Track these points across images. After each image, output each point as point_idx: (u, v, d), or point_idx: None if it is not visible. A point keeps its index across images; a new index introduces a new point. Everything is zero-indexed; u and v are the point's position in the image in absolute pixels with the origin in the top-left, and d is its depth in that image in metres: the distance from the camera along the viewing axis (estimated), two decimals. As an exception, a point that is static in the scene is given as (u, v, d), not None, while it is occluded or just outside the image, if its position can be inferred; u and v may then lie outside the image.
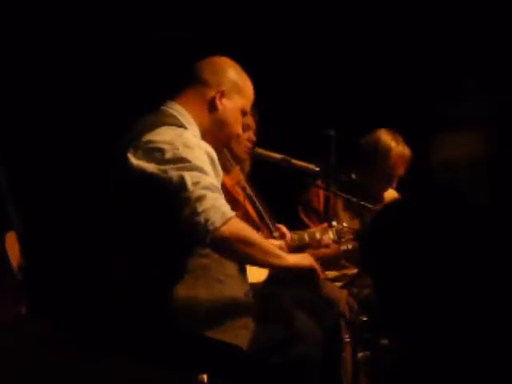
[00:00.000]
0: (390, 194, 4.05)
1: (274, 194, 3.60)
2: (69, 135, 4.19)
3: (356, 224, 3.79)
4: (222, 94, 2.64)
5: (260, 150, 3.41)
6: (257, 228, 3.18)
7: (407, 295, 1.36)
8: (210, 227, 2.32)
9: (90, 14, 4.26)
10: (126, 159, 2.46)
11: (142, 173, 2.43)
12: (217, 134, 2.67)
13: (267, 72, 4.56)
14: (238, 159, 3.53)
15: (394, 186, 3.97)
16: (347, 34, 4.73)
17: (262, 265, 2.70)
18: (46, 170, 4.14)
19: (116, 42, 4.29)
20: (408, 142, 3.94)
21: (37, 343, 2.84)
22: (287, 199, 3.88)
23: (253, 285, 2.97)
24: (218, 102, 2.63)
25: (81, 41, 4.24)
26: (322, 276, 2.68)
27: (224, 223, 2.33)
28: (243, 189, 3.35)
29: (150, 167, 2.42)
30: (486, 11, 4.50)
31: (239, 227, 2.41)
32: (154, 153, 2.43)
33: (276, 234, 3.29)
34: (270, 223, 3.33)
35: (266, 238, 3.11)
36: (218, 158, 2.55)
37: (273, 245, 2.69)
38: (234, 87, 2.67)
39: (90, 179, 2.94)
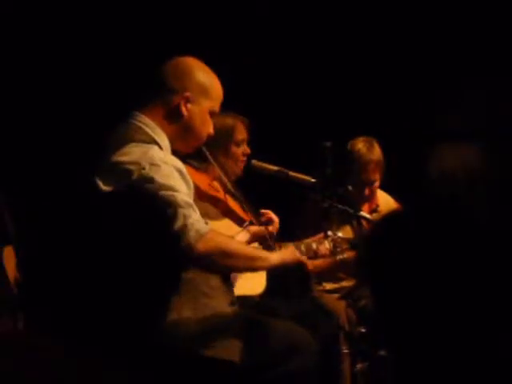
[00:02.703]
0: (385, 200, 4.03)
1: (270, 205, 3.58)
2: (66, 146, 4.17)
3: (351, 235, 3.79)
4: (187, 100, 2.59)
5: (256, 162, 3.39)
6: (241, 221, 3.16)
7: (406, 306, 1.36)
8: (186, 247, 2.30)
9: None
10: (95, 184, 2.43)
11: (112, 196, 2.41)
12: (186, 139, 2.64)
13: (264, 83, 4.57)
14: (234, 175, 3.52)
15: (369, 193, 3.93)
16: (343, 43, 4.73)
17: (247, 271, 2.72)
18: (42, 183, 4.12)
19: (112, 44, 4.28)
20: (406, 153, 3.94)
21: (34, 356, 2.82)
22: (283, 211, 3.86)
23: (250, 297, 2.97)
24: (183, 109, 2.59)
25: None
26: (310, 267, 2.66)
27: (198, 240, 2.31)
28: (223, 184, 3.31)
29: (118, 190, 2.40)
30: (481, 20, 4.51)
31: (216, 241, 2.38)
32: (121, 175, 2.40)
33: (263, 219, 3.26)
34: (254, 213, 3.30)
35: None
36: (196, 157, 2.53)
37: (253, 247, 2.75)
38: (200, 90, 2.62)
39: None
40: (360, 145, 3.88)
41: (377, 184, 3.94)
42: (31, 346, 2.82)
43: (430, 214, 1.39)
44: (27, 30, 4.15)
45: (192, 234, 2.30)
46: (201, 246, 2.31)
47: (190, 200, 2.41)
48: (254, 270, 2.66)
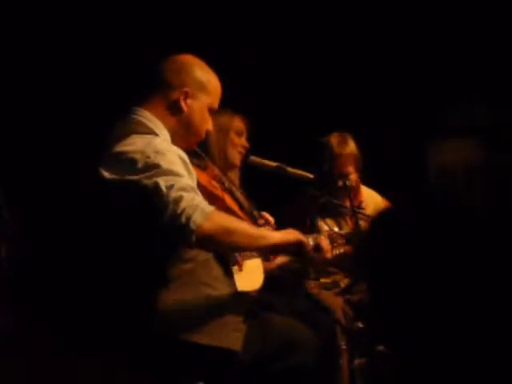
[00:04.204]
0: (369, 195, 4.02)
1: (268, 201, 3.59)
2: (64, 139, 4.18)
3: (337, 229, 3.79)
4: (186, 95, 2.63)
5: (254, 158, 3.41)
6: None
7: (403, 302, 1.37)
8: (193, 226, 2.31)
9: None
10: (100, 174, 2.45)
11: (117, 186, 2.43)
12: (186, 135, 2.66)
13: (262, 79, 4.57)
14: (231, 165, 3.54)
15: (343, 185, 3.91)
16: (343, 41, 4.74)
17: (249, 249, 2.74)
18: (41, 177, 4.13)
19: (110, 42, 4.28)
20: (405, 147, 3.94)
21: (35, 349, 2.84)
22: (280, 206, 3.87)
23: (248, 293, 2.97)
24: (182, 104, 2.63)
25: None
26: (309, 248, 2.65)
27: (205, 219, 2.33)
28: (221, 183, 3.33)
29: (124, 179, 2.42)
30: (481, 20, 4.52)
31: (220, 219, 2.40)
32: (126, 164, 2.43)
33: (261, 221, 3.28)
34: (252, 212, 3.32)
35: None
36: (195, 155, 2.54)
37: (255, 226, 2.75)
38: (199, 86, 2.65)
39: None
40: (333, 139, 3.89)
41: (353, 177, 3.90)
42: (31, 346, 2.84)
43: (427, 210, 1.40)
44: (29, 28, 4.16)
45: (198, 213, 2.32)
46: (207, 225, 2.33)
47: (194, 185, 2.44)
48: (256, 248, 2.65)
